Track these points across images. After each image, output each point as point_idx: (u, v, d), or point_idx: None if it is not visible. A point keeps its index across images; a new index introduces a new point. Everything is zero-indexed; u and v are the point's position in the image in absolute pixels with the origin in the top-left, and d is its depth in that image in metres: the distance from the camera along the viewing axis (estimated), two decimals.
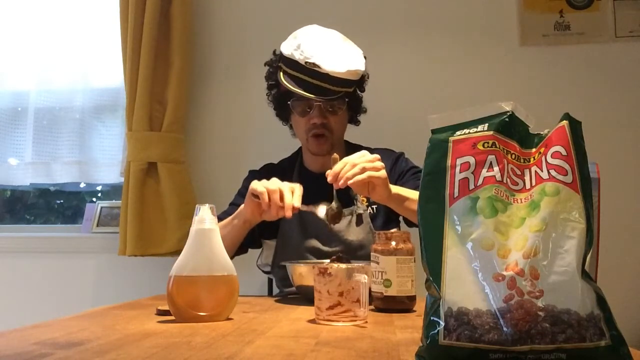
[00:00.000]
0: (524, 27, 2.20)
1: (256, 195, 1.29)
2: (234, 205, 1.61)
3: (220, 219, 1.56)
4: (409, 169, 1.60)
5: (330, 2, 2.27)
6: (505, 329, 0.57)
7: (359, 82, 1.57)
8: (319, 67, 1.44)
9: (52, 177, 2.36)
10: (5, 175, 2.39)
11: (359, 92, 1.62)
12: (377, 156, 1.28)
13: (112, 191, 2.57)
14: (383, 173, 1.26)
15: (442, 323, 0.59)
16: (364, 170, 1.23)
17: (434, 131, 0.71)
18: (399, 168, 1.62)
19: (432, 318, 0.61)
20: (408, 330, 0.87)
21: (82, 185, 2.52)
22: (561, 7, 2.20)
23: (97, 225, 2.32)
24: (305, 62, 1.44)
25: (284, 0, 2.31)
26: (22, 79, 2.40)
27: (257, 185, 1.28)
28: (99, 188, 2.59)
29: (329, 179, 1.26)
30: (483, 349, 0.57)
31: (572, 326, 0.57)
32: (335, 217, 1.34)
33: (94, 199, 2.57)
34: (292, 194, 1.26)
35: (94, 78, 2.37)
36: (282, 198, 1.25)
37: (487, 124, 0.68)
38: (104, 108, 2.39)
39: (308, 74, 1.46)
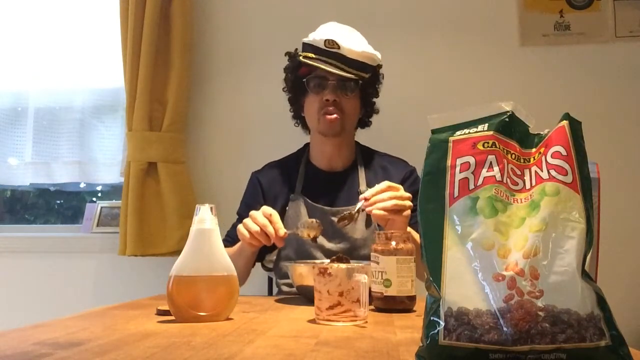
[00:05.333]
0: (524, 27, 2.20)
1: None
2: (241, 218, 1.62)
3: (228, 235, 1.61)
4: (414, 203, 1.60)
5: (330, 2, 2.27)
6: (505, 329, 0.57)
7: (373, 75, 1.60)
8: (337, 44, 1.49)
9: (52, 177, 2.36)
10: (5, 175, 2.39)
11: (371, 90, 1.64)
12: (409, 196, 1.31)
13: (112, 191, 2.57)
14: (407, 213, 1.30)
15: (442, 323, 0.59)
16: (394, 207, 1.27)
17: (434, 131, 0.71)
18: (408, 186, 1.60)
19: (432, 318, 0.61)
20: (408, 330, 0.87)
21: (82, 185, 2.52)
22: (561, 7, 2.20)
23: (97, 225, 2.32)
24: (324, 41, 1.50)
25: (284, 1, 2.31)
26: (22, 79, 2.40)
27: (241, 230, 1.31)
28: (99, 188, 2.59)
29: (362, 198, 1.30)
30: (483, 349, 0.57)
31: (572, 326, 0.57)
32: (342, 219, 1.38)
33: (94, 199, 2.58)
34: (271, 222, 1.28)
35: (94, 78, 2.37)
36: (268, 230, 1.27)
37: (487, 124, 0.68)
38: (104, 108, 2.38)
39: (326, 54, 1.51)
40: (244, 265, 1.46)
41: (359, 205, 1.33)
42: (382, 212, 1.26)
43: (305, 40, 1.57)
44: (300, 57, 1.56)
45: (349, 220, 1.37)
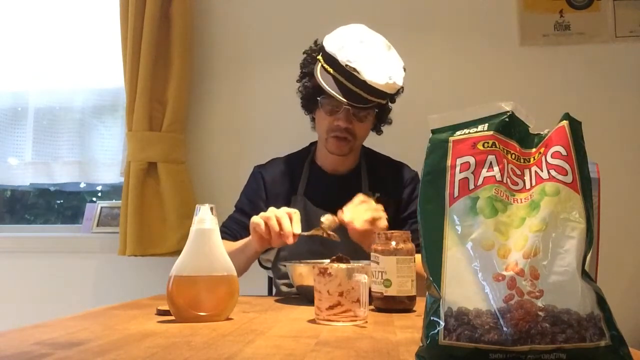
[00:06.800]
0: (524, 27, 2.20)
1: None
2: (240, 211, 1.62)
3: (226, 227, 1.58)
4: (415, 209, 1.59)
5: (330, 2, 2.27)
6: (505, 329, 0.57)
7: (393, 94, 1.56)
8: (358, 73, 1.41)
9: (52, 177, 2.36)
10: (5, 175, 2.39)
11: (389, 104, 1.61)
12: (381, 207, 1.36)
13: (112, 191, 2.57)
14: (384, 223, 1.34)
15: (442, 323, 0.59)
16: (372, 218, 1.32)
17: (434, 131, 0.71)
18: (410, 191, 1.62)
19: (432, 318, 0.61)
20: (408, 330, 0.87)
21: (82, 185, 2.52)
22: (561, 7, 2.20)
23: (97, 225, 2.32)
24: (346, 65, 1.42)
25: (284, 1, 2.31)
26: (22, 79, 2.40)
27: (254, 218, 1.30)
28: (99, 188, 2.59)
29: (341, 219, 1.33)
30: (483, 349, 0.57)
31: (572, 326, 0.56)
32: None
33: (94, 199, 2.58)
34: (290, 219, 1.27)
35: (94, 78, 2.37)
36: (281, 226, 1.26)
37: (487, 124, 0.68)
38: (104, 108, 2.39)
39: (345, 76, 1.43)
40: (244, 262, 1.43)
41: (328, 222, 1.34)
42: (364, 226, 1.30)
43: (328, 46, 1.47)
44: (318, 72, 1.49)
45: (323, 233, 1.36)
